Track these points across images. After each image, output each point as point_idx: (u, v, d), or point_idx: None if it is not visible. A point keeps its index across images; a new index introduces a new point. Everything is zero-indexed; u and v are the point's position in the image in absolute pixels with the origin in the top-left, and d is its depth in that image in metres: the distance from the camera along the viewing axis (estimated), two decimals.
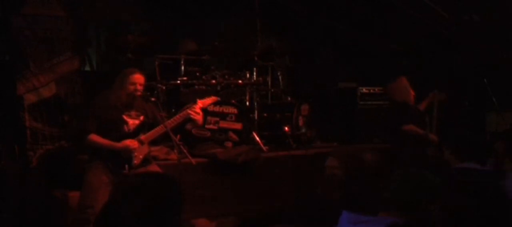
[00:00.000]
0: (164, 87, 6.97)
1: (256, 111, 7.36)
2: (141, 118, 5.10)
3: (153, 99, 6.28)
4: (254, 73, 7.46)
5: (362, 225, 2.62)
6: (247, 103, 7.38)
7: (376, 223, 2.60)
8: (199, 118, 5.21)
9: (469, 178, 3.67)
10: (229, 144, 6.69)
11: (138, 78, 5.05)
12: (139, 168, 4.97)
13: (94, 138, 4.91)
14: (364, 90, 8.06)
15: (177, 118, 5.18)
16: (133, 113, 5.08)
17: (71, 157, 6.01)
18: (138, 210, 2.36)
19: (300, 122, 7.58)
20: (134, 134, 5.01)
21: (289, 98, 7.93)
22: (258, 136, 6.92)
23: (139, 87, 5.03)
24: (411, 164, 5.82)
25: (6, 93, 6.14)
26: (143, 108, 5.15)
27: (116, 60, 7.54)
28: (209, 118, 6.63)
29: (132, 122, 5.06)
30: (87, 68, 7.95)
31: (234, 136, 6.74)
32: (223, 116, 6.71)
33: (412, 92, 6.46)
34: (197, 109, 5.20)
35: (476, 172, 3.79)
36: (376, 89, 8.07)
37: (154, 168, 5.08)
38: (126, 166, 4.92)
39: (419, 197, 2.62)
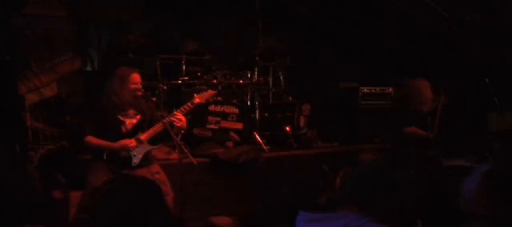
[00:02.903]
0: (165, 87, 6.98)
1: (257, 111, 7.36)
2: (138, 117, 5.10)
3: (154, 99, 6.29)
4: (255, 73, 7.46)
5: (315, 224, 2.63)
6: (248, 103, 7.38)
7: (330, 220, 2.61)
8: (182, 124, 5.13)
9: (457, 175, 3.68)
10: (230, 144, 6.69)
11: (137, 77, 5.08)
12: (140, 167, 4.97)
13: (91, 139, 4.93)
14: (365, 90, 8.05)
15: (158, 127, 5.12)
16: (130, 112, 5.08)
17: (72, 156, 6.02)
18: (112, 215, 2.35)
19: (301, 122, 7.58)
20: (132, 133, 5.02)
21: (290, 98, 7.92)
22: (259, 136, 6.93)
23: (140, 87, 5.06)
24: (411, 164, 5.83)
25: (7, 93, 6.14)
26: (140, 107, 5.14)
27: (117, 60, 7.54)
28: (210, 117, 6.64)
29: (129, 121, 5.07)
30: (88, 68, 7.96)
31: (235, 136, 6.74)
32: (224, 116, 6.71)
33: (428, 98, 6.41)
34: (178, 116, 5.12)
35: (464, 170, 3.80)
36: (377, 89, 8.07)
37: (155, 168, 5.08)
38: (125, 165, 4.93)
39: (378, 192, 2.60)
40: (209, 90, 5.74)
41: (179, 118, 5.09)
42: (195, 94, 5.45)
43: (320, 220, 2.62)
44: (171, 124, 5.05)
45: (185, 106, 5.27)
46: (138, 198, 2.40)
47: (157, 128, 5.06)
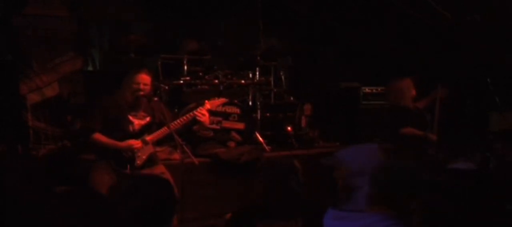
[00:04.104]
0: (166, 87, 6.98)
1: (258, 111, 7.36)
2: (148, 118, 5.10)
3: (155, 99, 6.29)
4: (257, 73, 7.46)
5: (344, 221, 2.64)
6: (250, 103, 7.38)
7: (358, 219, 2.62)
8: (205, 119, 5.22)
9: (458, 178, 3.69)
10: (232, 144, 6.69)
11: (143, 78, 5.04)
12: (143, 168, 4.97)
13: (98, 136, 4.92)
14: (367, 90, 8.05)
15: (183, 119, 5.17)
16: (140, 113, 5.08)
17: (74, 156, 6.02)
18: (133, 212, 2.37)
19: (303, 122, 7.58)
20: (139, 134, 5.01)
21: (291, 98, 7.93)
22: (260, 136, 6.93)
23: (143, 87, 5.00)
24: (399, 161, 5.81)
25: (8, 93, 6.14)
26: (151, 109, 5.14)
27: (118, 60, 7.54)
28: (211, 117, 6.61)
29: (138, 122, 5.06)
30: (90, 68, 7.96)
31: (236, 136, 6.74)
32: (225, 116, 6.71)
33: (413, 93, 6.43)
34: (203, 111, 5.20)
35: (465, 173, 3.81)
36: (379, 89, 8.07)
37: (160, 169, 5.07)
38: (128, 166, 4.93)
39: (400, 191, 2.61)
40: (221, 98, 5.76)
41: (204, 113, 5.18)
42: (206, 101, 5.45)
43: (345, 218, 2.63)
44: (195, 118, 5.13)
45: (198, 111, 5.26)
46: (158, 196, 2.43)
47: (164, 131, 5.06)
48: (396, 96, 6.46)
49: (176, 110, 6.59)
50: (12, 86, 6.17)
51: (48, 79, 6.30)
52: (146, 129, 5.07)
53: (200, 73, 7.18)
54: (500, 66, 7.79)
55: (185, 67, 7.21)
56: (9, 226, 5.22)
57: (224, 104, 6.64)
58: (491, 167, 5.03)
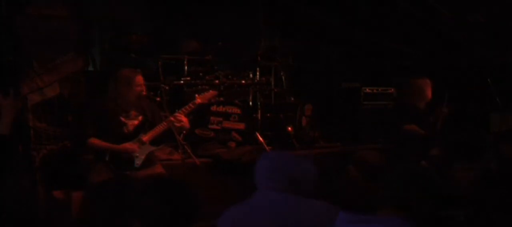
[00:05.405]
0: (167, 87, 6.98)
1: (259, 112, 7.36)
2: (140, 118, 5.10)
3: (158, 99, 6.30)
4: (257, 73, 7.46)
5: (359, 225, 2.61)
6: (250, 103, 7.38)
7: (374, 222, 2.59)
8: (183, 124, 5.13)
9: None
10: (233, 144, 6.69)
11: (141, 79, 5.09)
12: (142, 168, 4.96)
13: (94, 141, 4.92)
14: (368, 90, 8.04)
15: (166, 122, 5.11)
16: (131, 114, 5.07)
17: (74, 157, 6.01)
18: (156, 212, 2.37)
19: (303, 122, 7.58)
20: (134, 135, 5.01)
21: (292, 99, 7.93)
22: (261, 136, 6.90)
23: (143, 88, 5.06)
24: (413, 163, 5.82)
25: (9, 93, 6.12)
26: (141, 108, 5.14)
27: (119, 60, 7.54)
28: (212, 118, 6.64)
29: (131, 123, 5.06)
30: (91, 68, 7.95)
31: (237, 136, 6.74)
32: (226, 116, 6.72)
33: (428, 96, 6.44)
34: (179, 117, 5.12)
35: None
36: (379, 89, 8.06)
37: (158, 169, 5.07)
38: (128, 167, 4.93)
39: (416, 194, 2.60)
40: (211, 91, 5.74)
41: (180, 119, 5.09)
42: (197, 95, 5.46)
43: (361, 222, 2.60)
44: (172, 124, 5.05)
45: (187, 107, 5.27)
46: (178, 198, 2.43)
47: (159, 128, 5.06)
48: (411, 95, 6.47)
49: (176, 110, 6.59)
50: (13, 86, 6.15)
51: (49, 79, 6.28)
52: (141, 129, 5.07)
53: (201, 74, 7.19)
54: (501, 67, 7.78)
55: (186, 67, 7.21)
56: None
57: (224, 105, 6.65)
58: (493, 168, 5.02)
